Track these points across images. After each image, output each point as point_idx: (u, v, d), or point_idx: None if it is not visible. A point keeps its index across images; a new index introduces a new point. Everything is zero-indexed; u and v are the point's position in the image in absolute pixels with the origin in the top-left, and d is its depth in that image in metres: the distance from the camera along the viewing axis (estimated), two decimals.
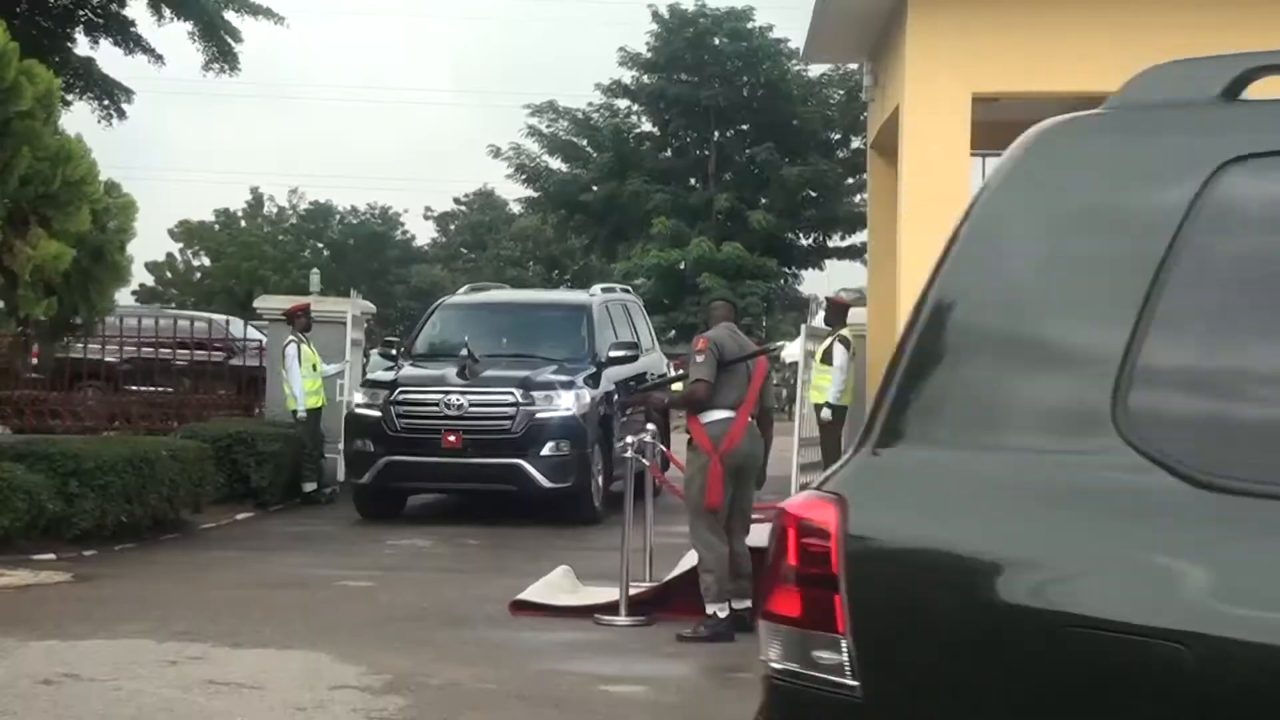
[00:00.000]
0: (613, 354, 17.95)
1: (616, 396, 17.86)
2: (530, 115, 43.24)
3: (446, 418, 16.71)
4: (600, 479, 17.30)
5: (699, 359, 10.34)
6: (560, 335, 18.53)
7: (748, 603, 10.36)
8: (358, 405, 17.47)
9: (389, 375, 17.94)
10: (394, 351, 19.13)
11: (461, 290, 21.20)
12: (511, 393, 16.76)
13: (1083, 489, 2.98)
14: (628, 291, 22.43)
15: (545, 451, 16.63)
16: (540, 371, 17.32)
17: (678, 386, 12.15)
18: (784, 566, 3.26)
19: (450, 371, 17.21)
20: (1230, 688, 2.73)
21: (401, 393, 17.07)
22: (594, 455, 17.09)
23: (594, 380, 17.63)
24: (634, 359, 18.42)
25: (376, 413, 17.06)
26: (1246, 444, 2.92)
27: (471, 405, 16.69)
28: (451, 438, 16.61)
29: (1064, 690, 2.88)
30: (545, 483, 16.66)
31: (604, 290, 20.73)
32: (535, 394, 16.81)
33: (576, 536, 15.73)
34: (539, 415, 16.71)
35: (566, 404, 16.81)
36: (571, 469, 16.73)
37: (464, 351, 17.25)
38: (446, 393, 16.88)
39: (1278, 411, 2.94)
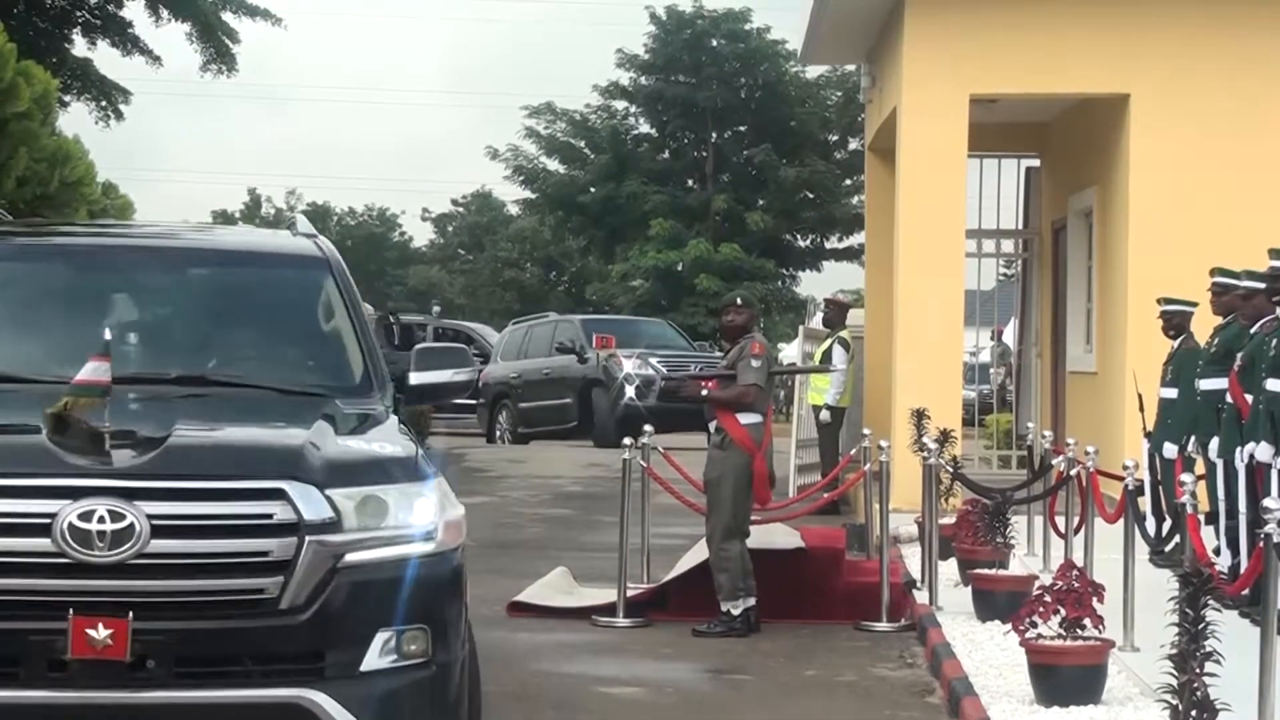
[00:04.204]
0: (429, 375, 7.23)
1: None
2: (528, 117, 43.23)
3: (61, 571, 5.47)
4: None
5: (755, 363, 10.49)
6: (287, 329, 7.53)
7: (752, 601, 10.43)
8: None
9: None
10: None
11: None
12: (279, 490, 5.64)
13: None
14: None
15: (373, 663, 5.72)
16: (315, 429, 6.14)
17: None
18: None
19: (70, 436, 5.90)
20: None
21: None
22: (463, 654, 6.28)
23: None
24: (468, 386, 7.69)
25: None
26: None
27: (155, 527, 5.47)
28: (96, 634, 5.39)
29: None
30: None
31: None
32: (342, 493, 5.75)
33: (574, 537, 15.72)
34: (358, 558, 5.72)
35: (422, 521, 5.90)
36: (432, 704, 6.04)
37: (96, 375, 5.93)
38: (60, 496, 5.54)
39: None
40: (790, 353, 30.19)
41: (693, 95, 41.26)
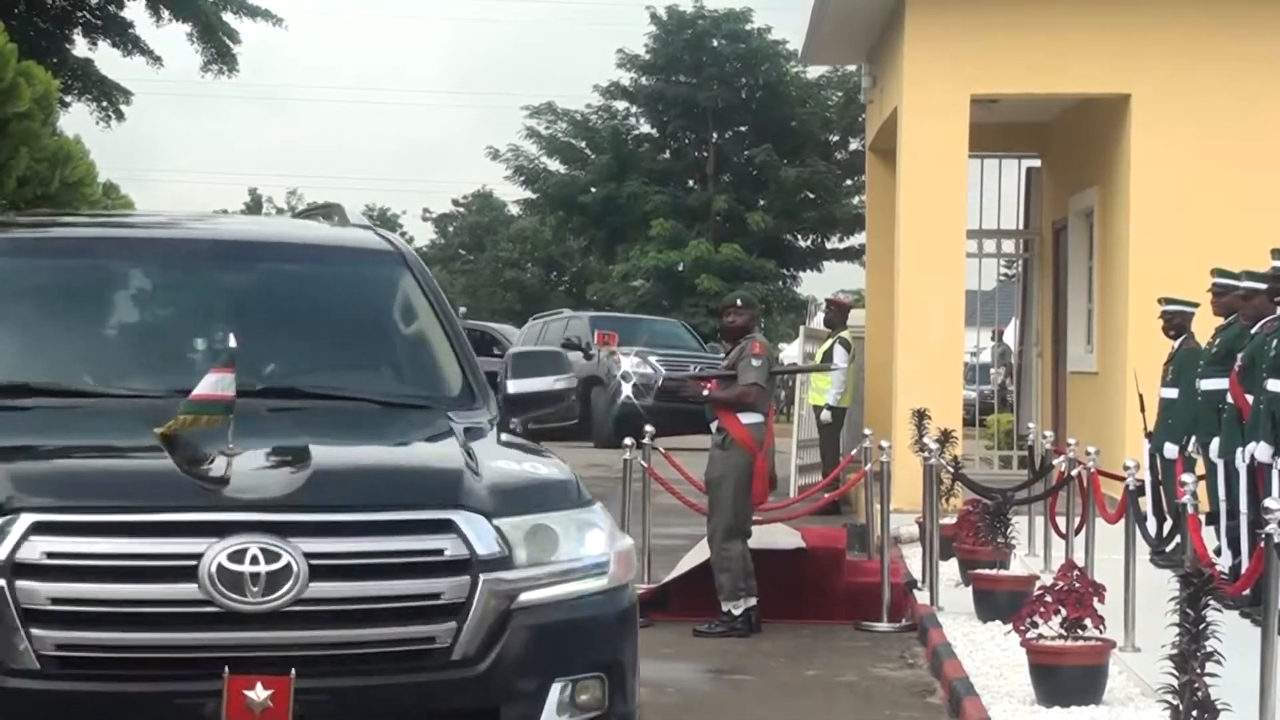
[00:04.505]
0: (527, 383, 6.28)
1: None
2: (529, 117, 43.24)
3: (210, 622, 4.63)
4: None
5: (755, 363, 10.51)
6: (371, 332, 6.61)
7: (753, 601, 10.44)
8: None
9: None
10: None
11: None
12: (447, 521, 4.89)
13: None
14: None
15: (550, 718, 5.02)
16: (458, 448, 5.39)
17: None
18: None
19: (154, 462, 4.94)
20: None
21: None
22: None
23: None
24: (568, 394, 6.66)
25: None
26: None
27: (314, 568, 4.69)
28: (255, 695, 4.60)
29: None
30: None
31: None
32: (510, 523, 4.99)
33: None
34: (532, 598, 4.96)
35: (594, 552, 5.20)
36: None
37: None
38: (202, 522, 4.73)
39: None
40: (791, 353, 30.17)
41: (693, 95, 41.26)
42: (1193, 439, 11.06)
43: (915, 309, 15.34)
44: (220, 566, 4.53)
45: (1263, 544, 6.39)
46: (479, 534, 4.80)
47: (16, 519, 4.54)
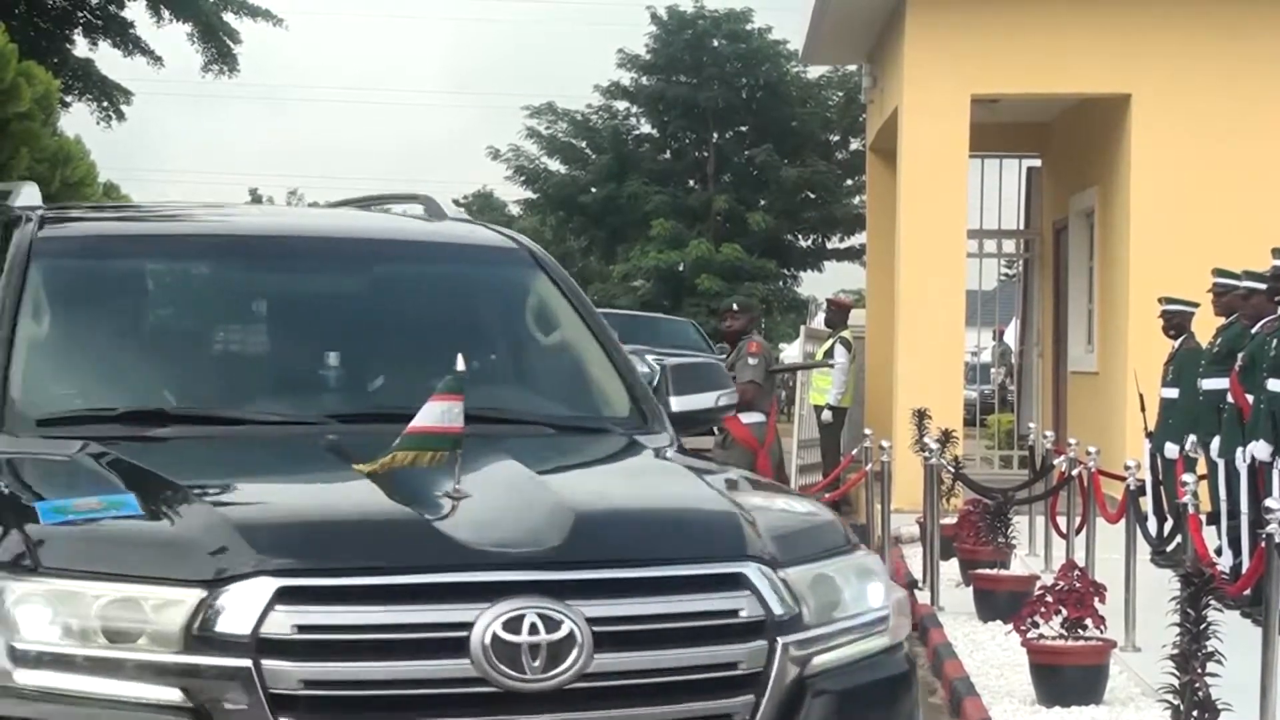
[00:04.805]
0: (691, 400, 5.53)
1: None
2: (529, 117, 43.20)
3: (488, 706, 3.84)
4: None
5: (752, 361, 10.62)
6: (519, 343, 5.91)
7: None
8: None
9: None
10: None
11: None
12: (738, 575, 4.11)
13: None
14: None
15: None
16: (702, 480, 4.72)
17: None
18: None
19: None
20: None
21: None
22: None
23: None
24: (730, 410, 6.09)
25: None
26: None
27: (598, 635, 3.87)
28: None
29: None
30: None
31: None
32: (795, 574, 4.20)
33: None
34: (824, 662, 4.20)
35: (875, 604, 4.41)
36: None
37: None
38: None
39: None
40: (792, 353, 30.18)
41: (694, 95, 41.25)
42: (1193, 439, 11.07)
43: (916, 309, 15.35)
44: (495, 637, 3.70)
45: (1263, 544, 6.40)
46: (772, 589, 4.03)
47: (257, 583, 3.68)
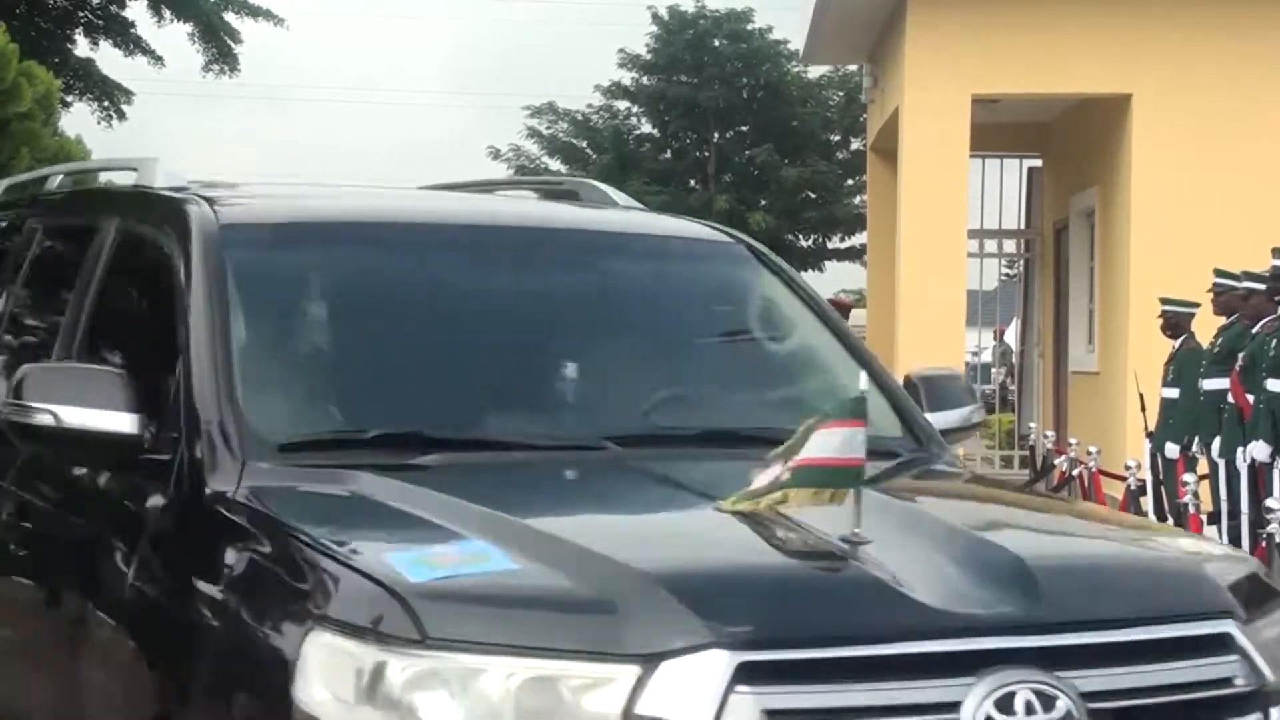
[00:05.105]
0: (946, 417, 4.82)
1: None
2: (530, 117, 43.22)
3: None
4: None
5: None
6: (759, 352, 5.06)
7: None
8: None
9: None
10: None
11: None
12: (1225, 635, 3.38)
13: None
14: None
15: None
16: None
17: None
18: None
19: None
20: None
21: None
22: None
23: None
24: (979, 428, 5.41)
25: None
26: None
27: (1094, 713, 3.15)
28: None
29: None
30: None
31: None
32: (1261, 628, 3.50)
33: None
34: None
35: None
36: None
37: None
38: None
39: None
40: None
41: (695, 95, 41.27)
42: (1194, 439, 11.08)
43: (916, 309, 15.36)
44: (987, 718, 3.02)
45: (1264, 543, 6.40)
46: (1258, 650, 3.34)
47: (710, 657, 2.96)
